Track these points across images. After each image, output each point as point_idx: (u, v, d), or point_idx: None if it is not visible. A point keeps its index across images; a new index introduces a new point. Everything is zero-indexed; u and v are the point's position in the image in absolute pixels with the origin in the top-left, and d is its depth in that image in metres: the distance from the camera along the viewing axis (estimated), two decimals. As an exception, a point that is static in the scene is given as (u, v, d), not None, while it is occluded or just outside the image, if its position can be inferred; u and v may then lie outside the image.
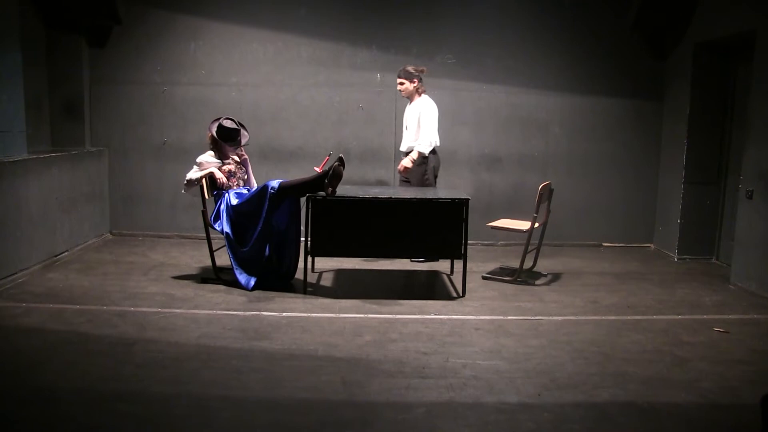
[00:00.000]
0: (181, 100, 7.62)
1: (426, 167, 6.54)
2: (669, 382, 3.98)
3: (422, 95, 6.64)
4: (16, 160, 5.85)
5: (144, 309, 5.10)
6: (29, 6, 6.87)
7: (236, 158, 6.09)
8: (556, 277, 6.41)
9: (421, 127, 6.50)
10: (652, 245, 7.89)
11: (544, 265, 6.62)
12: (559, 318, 5.16)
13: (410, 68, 6.61)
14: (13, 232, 5.71)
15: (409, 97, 6.69)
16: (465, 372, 4.05)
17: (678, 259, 7.24)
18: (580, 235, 7.86)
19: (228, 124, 5.98)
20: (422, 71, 6.64)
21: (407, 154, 6.62)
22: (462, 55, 7.64)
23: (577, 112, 7.76)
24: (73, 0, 7.16)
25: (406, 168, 6.49)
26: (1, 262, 5.55)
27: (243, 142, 6.11)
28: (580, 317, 5.20)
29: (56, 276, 5.96)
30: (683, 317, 5.25)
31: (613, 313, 5.34)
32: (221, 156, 6.00)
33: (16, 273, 5.73)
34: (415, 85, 6.59)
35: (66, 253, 6.64)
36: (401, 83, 6.62)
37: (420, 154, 6.46)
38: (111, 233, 7.76)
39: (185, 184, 5.95)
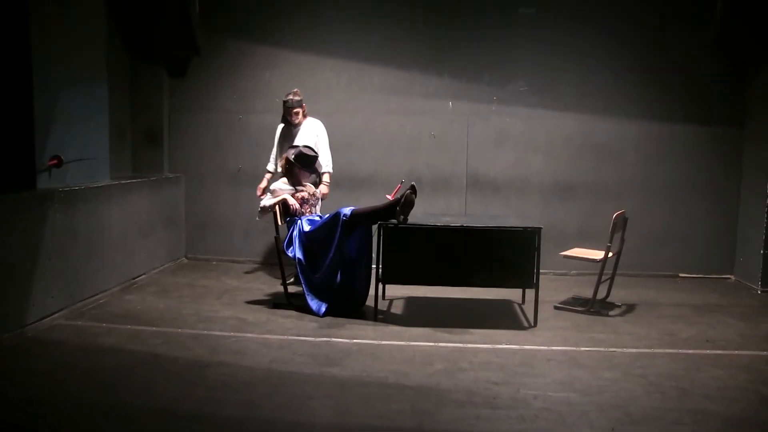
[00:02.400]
0: (255, 128, 7.80)
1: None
2: (754, 423, 3.80)
3: (307, 117, 6.70)
4: (101, 186, 6.10)
5: (217, 332, 5.20)
6: (116, 38, 7.21)
7: (310, 190, 6.21)
8: (630, 308, 6.24)
9: (320, 149, 6.54)
10: (732, 276, 7.58)
11: (618, 296, 6.44)
12: (634, 350, 5.01)
13: (296, 97, 6.58)
14: (97, 255, 5.95)
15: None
16: (536, 403, 3.97)
17: (762, 291, 6.92)
18: (656, 265, 7.62)
19: (307, 151, 6.14)
20: (297, 92, 6.66)
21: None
22: (534, 82, 7.59)
23: (653, 138, 7.58)
24: (156, 32, 7.51)
25: (324, 194, 6.55)
26: (85, 283, 5.79)
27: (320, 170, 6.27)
28: (656, 350, 5.03)
29: (134, 298, 6.17)
30: (769, 353, 5.02)
31: (691, 346, 5.14)
32: (294, 183, 6.13)
33: (97, 294, 5.95)
34: (304, 108, 6.65)
35: (143, 276, 6.86)
36: (297, 113, 6.59)
37: (329, 174, 6.64)
38: (186, 257, 7.97)
39: (259, 211, 6.10)
